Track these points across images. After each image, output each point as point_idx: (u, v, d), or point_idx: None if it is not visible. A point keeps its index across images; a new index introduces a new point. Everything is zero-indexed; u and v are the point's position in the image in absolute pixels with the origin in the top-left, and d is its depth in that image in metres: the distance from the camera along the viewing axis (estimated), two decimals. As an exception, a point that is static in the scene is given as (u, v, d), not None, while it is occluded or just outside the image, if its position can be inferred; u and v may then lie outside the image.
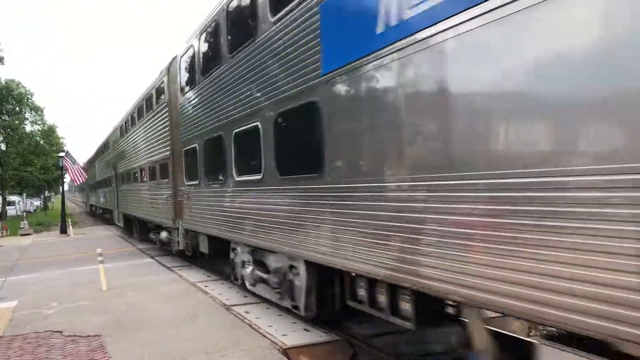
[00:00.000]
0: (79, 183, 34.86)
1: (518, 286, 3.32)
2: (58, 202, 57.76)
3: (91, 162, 40.39)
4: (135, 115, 18.29)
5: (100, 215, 38.19)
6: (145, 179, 16.62)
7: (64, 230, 26.94)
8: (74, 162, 30.32)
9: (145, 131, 16.39)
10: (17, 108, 46.79)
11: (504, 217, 3.42)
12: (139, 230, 19.52)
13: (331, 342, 6.54)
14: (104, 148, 30.19)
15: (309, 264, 6.42)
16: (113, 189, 25.15)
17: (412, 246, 4.28)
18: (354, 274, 5.58)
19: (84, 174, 31.59)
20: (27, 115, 49.07)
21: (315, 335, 6.76)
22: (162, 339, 6.88)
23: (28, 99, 47.96)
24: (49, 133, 52.78)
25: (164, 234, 14.45)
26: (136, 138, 18.13)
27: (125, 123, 20.98)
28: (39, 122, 51.29)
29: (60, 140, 55.23)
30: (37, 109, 49.94)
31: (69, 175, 31.46)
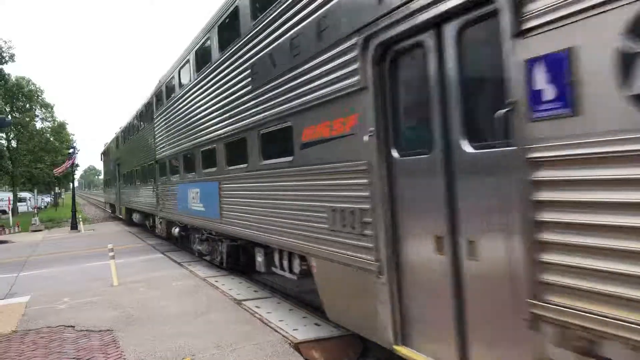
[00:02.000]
0: (58, 173, 30.96)
1: None
2: (68, 198, 58.08)
3: (129, 130, 22.51)
4: None
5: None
6: None
7: (74, 227, 27.11)
8: (71, 156, 29.63)
9: None
10: (28, 105, 47.24)
11: None
12: None
13: (342, 337, 6.52)
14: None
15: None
16: None
17: None
18: None
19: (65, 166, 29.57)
20: (38, 112, 49.58)
21: (326, 330, 6.75)
22: (174, 334, 6.90)
23: (38, 96, 48.42)
24: (59, 130, 53.19)
25: None
26: None
27: None
28: (49, 119, 51.73)
29: (70, 137, 55.57)
30: (47, 106, 50.40)
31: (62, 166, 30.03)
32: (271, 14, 6.95)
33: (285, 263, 7.26)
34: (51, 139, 50.99)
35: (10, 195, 42.81)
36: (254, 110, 7.70)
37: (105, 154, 35.40)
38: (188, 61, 11.66)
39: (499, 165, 3.59)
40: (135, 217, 23.10)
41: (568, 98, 2.98)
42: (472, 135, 3.91)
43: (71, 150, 31.15)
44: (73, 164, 29.89)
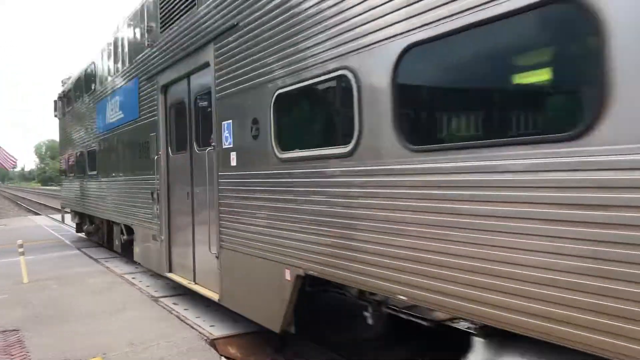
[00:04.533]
0: (9, 168, 28.35)
1: None
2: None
3: None
4: None
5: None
6: None
7: (-18, 221, 25.43)
8: None
9: None
10: None
11: None
12: None
13: (259, 333, 6.62)
14: None
15: None
16: None
17: None
18: None
19: (10, 158, 27.50)
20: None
21: (243, 326, 6.83)
22: (86, 332, 6.73)
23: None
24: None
25: None
26: None
27: None
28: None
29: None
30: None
31: None
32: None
33: None
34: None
35: None
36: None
37: (67, 96, 16.28)
38: None
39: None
40: None
41: None
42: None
43: None
44: None
